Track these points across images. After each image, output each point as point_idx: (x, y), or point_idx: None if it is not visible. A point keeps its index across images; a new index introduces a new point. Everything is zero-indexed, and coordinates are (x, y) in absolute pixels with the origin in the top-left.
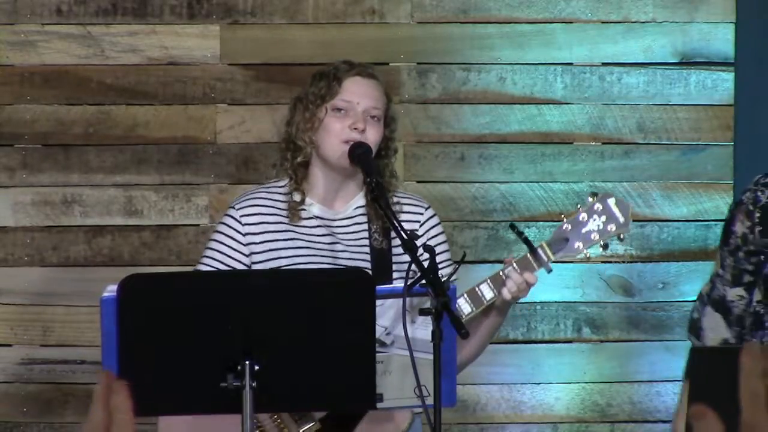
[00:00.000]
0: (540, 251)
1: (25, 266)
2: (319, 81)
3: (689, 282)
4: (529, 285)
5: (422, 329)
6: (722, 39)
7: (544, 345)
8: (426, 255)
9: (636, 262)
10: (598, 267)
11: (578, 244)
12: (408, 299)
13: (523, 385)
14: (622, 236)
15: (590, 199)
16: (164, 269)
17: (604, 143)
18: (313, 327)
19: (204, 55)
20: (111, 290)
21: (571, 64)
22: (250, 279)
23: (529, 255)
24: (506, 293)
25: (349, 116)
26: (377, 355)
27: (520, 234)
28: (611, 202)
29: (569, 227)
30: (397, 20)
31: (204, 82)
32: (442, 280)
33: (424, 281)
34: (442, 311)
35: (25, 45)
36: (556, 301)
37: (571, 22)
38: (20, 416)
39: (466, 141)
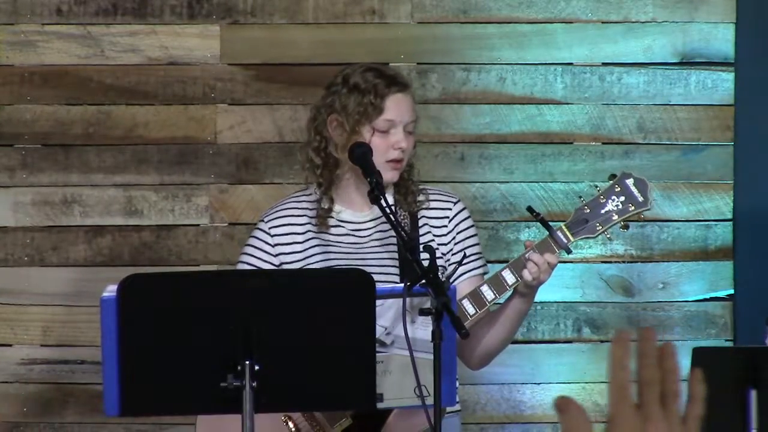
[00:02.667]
0: (559, 233)
1: (25, 266)
2: (359, 96)
3: (689, 282)
4: (550, 266)
5: (422, 329)
6: (722, 39)
7: (544, 345)
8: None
9: (636, 262)
10: (598, 267)
11: (598, 226)
12: (408, 299)
13: (523, 385)
14: (642, 215)
15: (609, 181)
16: (164, 269)
17: (604, 143)
18: (313, 327)
19: (204, 55)
20: (111, 290)
21: (571, 64)
22: (250, 279)
23: (549, 237)
24: (527, 274)
25: (392, 134)
26: (377, 355)
27: (537, 216)
28: (630, 182)
29: (588, 209)
30: (397, 20)
31: (204, 82)
32: (442, 280)
33: (424, 281)
34: (442, 311)
35: (25, 45)
36: (556, 301)
37: (571, 22)
38: (20, 416)
39: (466, 141)
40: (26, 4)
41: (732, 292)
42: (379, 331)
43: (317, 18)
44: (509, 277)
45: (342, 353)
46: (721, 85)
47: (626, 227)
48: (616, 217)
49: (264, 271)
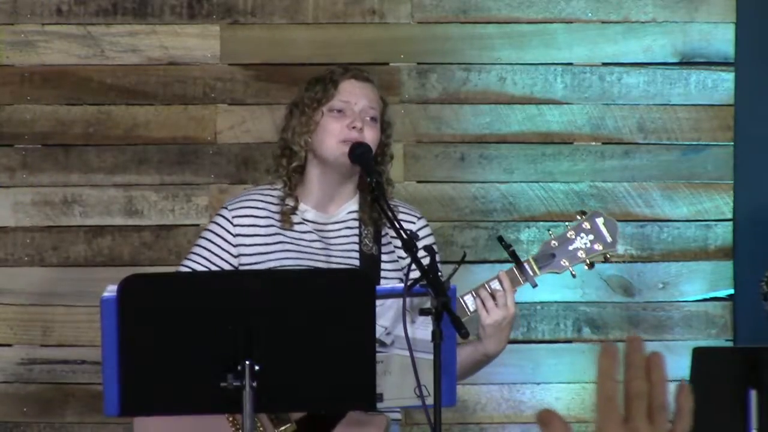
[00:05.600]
0: (526, 266)
1: (25, 266)
2: (314, 85)
3: (689, 282)
4: (507, 307)
5: (422, 329)
6: (722, 39)
7: (544, 345)
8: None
9: (636, 262)
10: (598, 267)
11: (564, 261)
12: (408, 299)
13: (523, 385)
14: (608, 256)
15: (579, 217)
16: (164, 269)
17: (604, 143)
18: (313, 327)
19: (204, 55)
20: (111, 290)
21: (571, 64)
22: (250, 279)
23: (515, 269)
24: (484, 315)
25: (347, 116)
26: (377, 355)
27: (507, 247)
28: (599, 221)
29: (556, 243)
30: (397, 20)
31: (204, 82)
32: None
33: (424, 281)
34: (442, 311)
35: (25, 45)
36: (556, 301)
37: (571, 22)
38: (20, 416)
39: (466, 141)
40: (26, 4)
41: (732, 292)
42: (379, 331)
43: (317, 18)
44: (471, 303)
45: (342, 353)
46: (721, 85)
47: (591, 266)
48: (582, 255)
49: (264, 271)
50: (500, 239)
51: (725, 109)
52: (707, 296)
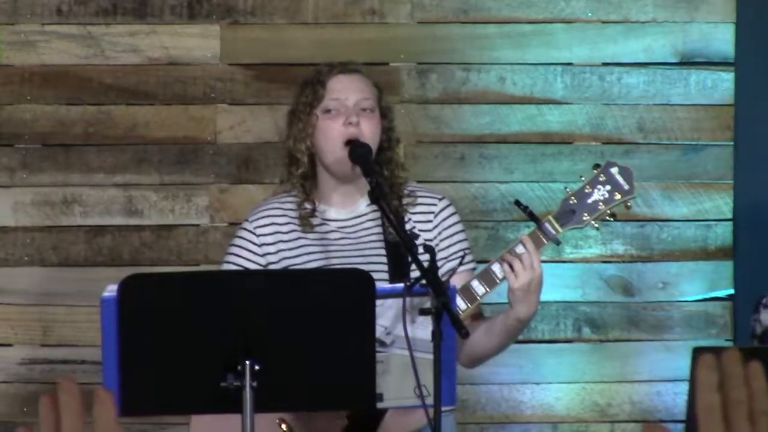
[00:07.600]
0: (547, 225)
1: (25, 266)
2: (305, 89)
3: (689, 282)
4: (533, 264)
5: (422, 329)
6: (722, 39)
7: (544, 345)
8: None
9: (636, 262)
10: (598, 267)
11: (585, 215)
12: (408, 299)
13: (523, 385)
14: (629, 203)
15: (594, 171)
16: (164, 269)
17: (604, 143)
18: (313, 327)
19: (204, 55)
20: (111, 290)
21: (571, 64)
22: (250, 279)
23: (537, 230)
24: (512, 279)
25: (341, 113)
26: (377, 355)
27: (525, 209)
28: (614, 170)
29: (575, 199)
30: (397, 20)
31: (204, 82)
32: (442, 279)
33: (424, 281)
34: (442, 311)
35: (25, 45)
36: (556, 301)
37: (571, 22)
38: (20, 416)
39: (466, 141)
40: (26, 4)
41: (732, 292)
42: (379, 331)
43: (317, 18)
44: (498, 271)
45: (342, 353)
46: (721, 85)
47: (613, 215)
48: (602, 206)
49: (264, 271)
50: (517, 203)
51: (725, 109)
52: (707, 296)
